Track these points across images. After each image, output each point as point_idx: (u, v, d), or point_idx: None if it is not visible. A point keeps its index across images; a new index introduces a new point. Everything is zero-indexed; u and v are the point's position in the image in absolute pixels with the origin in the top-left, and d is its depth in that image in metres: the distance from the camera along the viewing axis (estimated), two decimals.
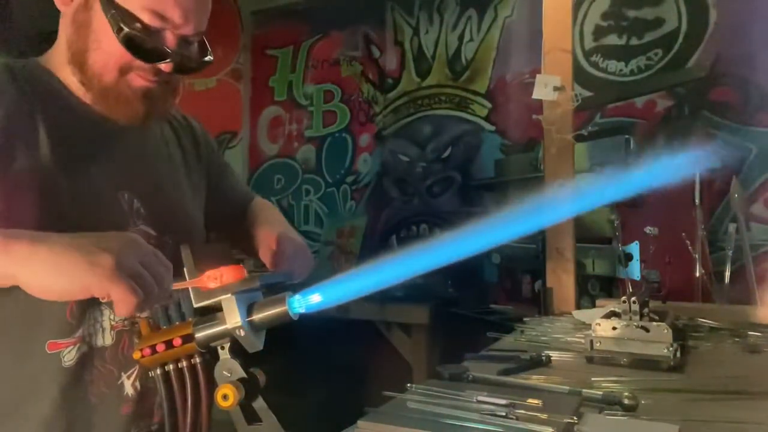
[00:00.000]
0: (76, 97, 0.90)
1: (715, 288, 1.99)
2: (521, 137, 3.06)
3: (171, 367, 0.73)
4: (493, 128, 3.18)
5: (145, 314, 0.81)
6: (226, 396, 0.68)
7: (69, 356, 0.85)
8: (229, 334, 0.70)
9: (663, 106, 2.75)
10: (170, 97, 0.93)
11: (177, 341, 0.71)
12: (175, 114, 1.10)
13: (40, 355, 0.83)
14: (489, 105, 3.19)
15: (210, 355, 0.73)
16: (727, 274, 2.01)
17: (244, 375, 0.70)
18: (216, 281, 0.69)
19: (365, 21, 3.52)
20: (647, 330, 1.18)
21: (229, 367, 0.70)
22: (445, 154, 3.30)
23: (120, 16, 0.83)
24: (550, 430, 0.75)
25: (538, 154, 2.93)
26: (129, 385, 0.89)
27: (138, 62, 0.85)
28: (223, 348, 0.71)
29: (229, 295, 0.69)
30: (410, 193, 3.39)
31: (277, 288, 0.75)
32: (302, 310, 0.69)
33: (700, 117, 2.63)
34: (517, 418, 0.79)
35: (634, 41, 2.81)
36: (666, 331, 1.16)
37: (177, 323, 0.73)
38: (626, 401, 0.90)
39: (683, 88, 2.68)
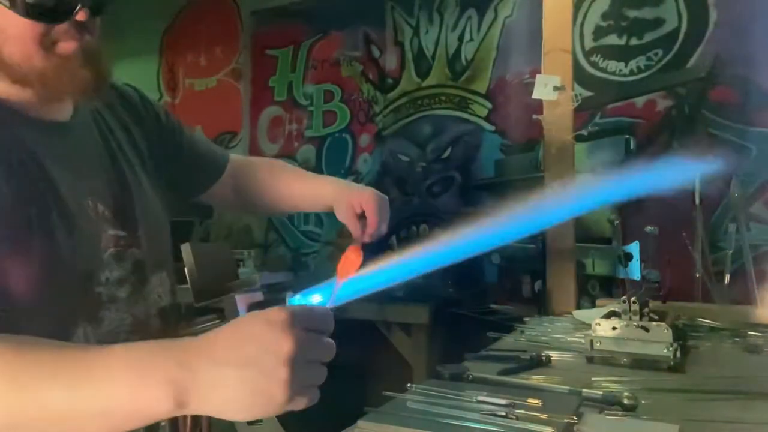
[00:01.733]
0: (9, 107, 0.81)
1: (715, 288, 1.99)
2: (521, 137, 3.06)
3: None
4: (493, 128, 3.18)
5: None
6: None
7: None
8: None
9: (663, 106, 2.75)
10: (103, 51, 0.84)
11: None
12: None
13: None
14: (489, 105, 3.19)
15: None
16: (727, 274, 2.01)
17: None
18: (351, 271, 0.70)
19: (365, 21, 3.52)
20: (647, 330, 1.18)
21: None
22: (445, 154, 3.30)
23: None
24: (550, 430, 0.75)
25: (538, 154, 2.93)
26: None
27: (54, 29, 0.76)
28: None
29: (229, 295, 0.69)
30: (410, 193, 3.38)
31: (278, 288, 0.75)
32: None
33: (700, 117, 2.63)
34: (517, 418, 0.79)
35: (634, 41, 2.81)
36: (666, 331, 1.17)
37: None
38: (626, 401, 0.90)
39: (683, 88, 2.68)
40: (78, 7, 0.76)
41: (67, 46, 0.78)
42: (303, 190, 1.19)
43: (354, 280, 0.69)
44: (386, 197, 1.10)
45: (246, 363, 0.55)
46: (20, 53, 0.76)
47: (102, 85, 0.84)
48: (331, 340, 0.59)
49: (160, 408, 0.56)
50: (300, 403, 0.56)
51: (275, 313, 0.56)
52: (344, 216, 1.07)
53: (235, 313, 0.69)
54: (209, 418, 0.74)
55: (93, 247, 0.84)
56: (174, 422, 0.73)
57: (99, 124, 0.94)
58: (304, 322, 0.56)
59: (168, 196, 1.04)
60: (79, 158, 0.88)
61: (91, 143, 0.91)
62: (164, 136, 1.06)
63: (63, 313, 0.78)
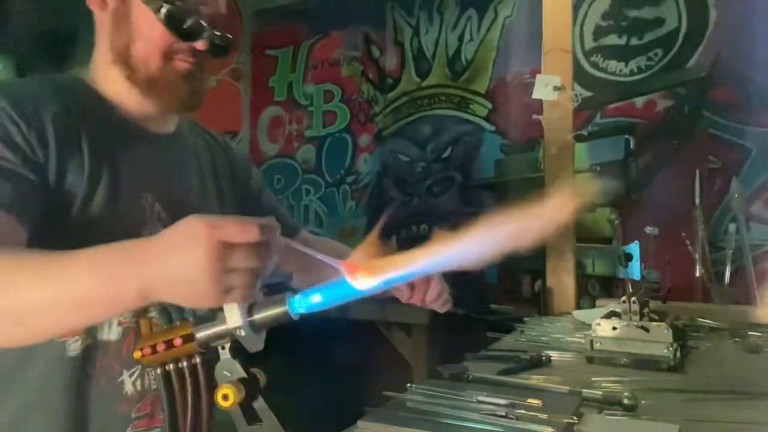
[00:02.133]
0: (115, 107, 0.94)
1: (715, 288, 1.99)
2: (521, 137, 3.06)
3: (171, 366, 0.73)
4: (493, 128, 3.18)
5: (151, 315, 0.80)
6: (227, 396, 0.68)
7: (74, 346, 0.86)
8: (230, 334, 0.70)
9: (663, 106, 2.75)
10: (207, 80, 0.99)
11: (177, 341, 0.71)
12: (212, 132, 1.15)
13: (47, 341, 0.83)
14: (489, 105, 3.19)
15: (210, 355, 0.73)
16: (727, 274, 2.01)
17: (244, 375, 0.70)
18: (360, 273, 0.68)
19: (365, 21, 3.52)
20: (647, 330, 1.18)
21: (229, 367, 0.70)
22: (445, 154, 3.30)
23: None
24: (550, 430, 0.75)
25: (538, 154, 2.93)
26: (130, 383, 0.89)
27: (178, 45, 0.91)
28: (223, 348, 0.71)
29: None
30: (410, 193, 3.38)
31: (278, 288, 0.75)
32: (303, 311, 0.69)
33: (700, 117, 2.63)
34: (517, 418, 0.79)
35: (634, 41, 2.81)
36: (666, 331, 1.16)
37: (177, 323, 0.73)
38: (626, 401, 0.90)
39: (683, 88, 2.68)
40: (204, 36, 0.91)
41: (181, 64, 0.93)
42: None
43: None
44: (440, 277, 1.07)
45: (179, 271, 0.64)
46: (145, 53, 0.91)
47: (194, 107, 1.00)
48: (255, 250, 0.64)
49: (130, 299, 0.66)
50: (233, 297, 0.65)
51: (193, 230, 0.63)
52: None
53: (235, 314, 0.69)
54: (209, 418, 0.74)
55: (127, 235, 0.86)
56: (174, 422, 0.73)
57: (188, 151, 1.05)
58: (219, 236, 0.62)
59: None
60: (158, 163, 0.97)
61: (172, 159, 1.02)
62: (247, 190, 1.18)
63: None
